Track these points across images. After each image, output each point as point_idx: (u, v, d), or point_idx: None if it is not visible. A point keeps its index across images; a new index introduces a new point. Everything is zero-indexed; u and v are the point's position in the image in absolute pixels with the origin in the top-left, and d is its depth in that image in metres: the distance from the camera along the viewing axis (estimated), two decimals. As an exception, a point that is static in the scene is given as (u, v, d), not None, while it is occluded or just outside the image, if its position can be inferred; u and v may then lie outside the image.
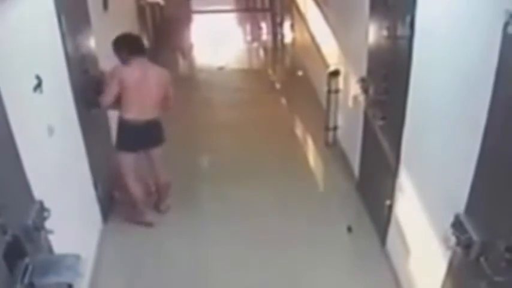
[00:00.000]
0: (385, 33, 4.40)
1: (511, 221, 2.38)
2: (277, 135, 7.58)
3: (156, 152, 5.26)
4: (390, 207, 4.51)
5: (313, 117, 7.80)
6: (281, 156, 6.92)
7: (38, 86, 3.51)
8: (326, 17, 7.68)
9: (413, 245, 4.09)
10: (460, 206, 2.89)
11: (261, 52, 12.74)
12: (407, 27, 3.78)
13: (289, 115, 8.53)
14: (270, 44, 13.23)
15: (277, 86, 10.06)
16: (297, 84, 9.85)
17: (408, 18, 3.74)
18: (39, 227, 2.99)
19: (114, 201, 5.47)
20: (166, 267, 4.81)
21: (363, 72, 5.18)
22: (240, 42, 13.69)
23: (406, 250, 4.18)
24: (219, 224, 5.42)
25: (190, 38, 13.25)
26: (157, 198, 5.57)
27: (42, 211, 3.08)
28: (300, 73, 9.61)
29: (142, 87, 4.84)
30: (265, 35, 13.96)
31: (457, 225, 2.84)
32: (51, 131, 3.73)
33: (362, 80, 5.14)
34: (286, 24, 12.18)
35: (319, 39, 8.41)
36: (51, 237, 3.23)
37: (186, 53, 12.52)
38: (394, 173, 4.33)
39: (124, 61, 4.90)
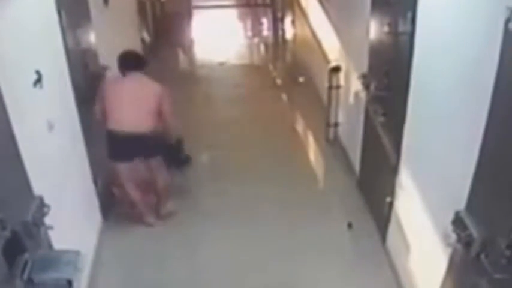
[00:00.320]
0: (386, 29, 4.39)
1: (512, 218, 2.38)
2: (277, 131, 7.58)
3: (152, 162, 5.18)
4: (391, 204, 4.51)
5: (314, 113, 7.80)
6: (281, 153, 6.92)
7: (38, 81, 3.50)
8: (327, 13, 7.67)
9: (413, 242, 4.09)
10: (461, 203, 2.88)
11: (262, 48, 12.73)
12: (408, 23, 3.77)
13: (289, 111, 8.52)
14: (270, 40, 13.22)
15: (278, 81, 10.05)
16: (298, 80, 9.84)
17: (409, 14, 3.73)
18: (38, 222, 2.99)
19: (113, 197, 5.45)
20: (166, 264, 4.82)
21: (364, 68, 5.16)
22: (240, 38, 13.68)
23: (407, 247, 4.17)
24: (218, 220, 5.41)
25: (191, 33, 13.24)
26: (157, 202, 5.50)
27: (41, 207, 3.07)
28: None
29: (126, 99, 4.80)
30: (266, 30, 13.95)
31: (458, 222, 2.83)
32: (51, 126, 3.72)
33: (363, 76, 5.13)
34: (287, 20, 12.15)
35: (320, 35, 8.40)
36: (50, 233, 3.23)
37: (187, 48, 12.52)
38: (394, 170, 4.32)
39: (122, 75, 4.94)
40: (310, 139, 7.51)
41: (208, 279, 4.66)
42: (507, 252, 2.35)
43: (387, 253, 4.73)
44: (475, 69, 2.81)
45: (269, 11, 14.23)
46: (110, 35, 6.58)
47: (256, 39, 13.34)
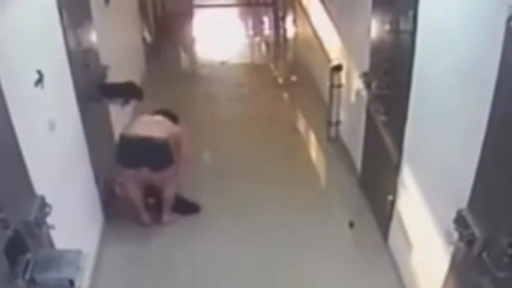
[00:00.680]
0: (387, 27, 4.39)
1: (514, 216, 2.38)
2: (279, 130, 7.58)
3: (160, 176, 5.10)
4: (392, 202, 4.51)
5: (315, 112, 7.79)
6: (283, 151, 6.92)
7: (39, 80, 3.50)
8: (328, 12, 7.67)
9: (415, 241, 4.09)
10: (463, 201, 2.88)
11: (263, 47, 12.73)
12: (409, 21, 3.77)
13: (291, 110, 8.52)
14: (272, 39, 13.22)
15: (280, 80, 10.05)
16: (299, 79, 9.84)
17: (411, 13, 3.73)
18: (40, 222, 2.99)
19: (115, 196, 5.45)
20: (168, 263, 4.82)
21: (366, 66, 5.16)
22: (242, 37, 13.67)
23: (408, 246, 4.17)
24: (220, 220, 5.41)
25: (192, 32, 13.24)
26: (160, 208, 5.44)
27: (43, 206, 3.08)
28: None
29: (145, 120, 5.23)
30: (267, 29, 13.94)
31: (460, 220, 2.83)
32: (52, 126, 3.73)
33: (364, 75, 5.13)
34: (289, 19, 12.16)
35: (321, 33, 8.40)
36: (52, 232, 3.23)
37: (188, 47, 12.52)
38: (396, 168, 4.32)
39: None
40: (312, 138, 7.51)
41: (210, 277, 4.67)
42: (509, 251, 2.36)
43: (389, 252, 4.73)
44: (476, 68, 2.81)
45: (270, 10, 14.24)
46: (111, 34, 6.58)
47: (257, 39, 13.33)
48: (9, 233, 2.57)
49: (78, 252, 2.95)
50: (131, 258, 4.93)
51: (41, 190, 3.14)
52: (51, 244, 3.27)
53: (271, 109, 8.46)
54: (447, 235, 3.04)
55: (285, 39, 12.66)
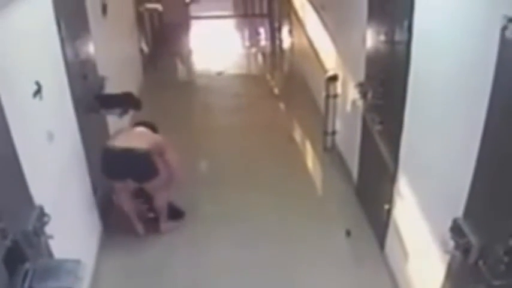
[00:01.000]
0: (382, 38, 4.42)
1: (510, 224, 2.39)
2: (275, 140, 7.58)
3: (147, 187, 5.15)
4: (389, 211, 4.52)
5: (311, 121, 7.80)
6: (280, 161, 6.92)
7: (38, 92, 3.52)
8: (324, 22, 7.70)
9: (411, 249, 4.10)
10: (459, 210, 2.90)
11: (260, 57, 12.74)
12: (405, 32, 3.80)
13: (287, 120, 8.53)
14: (268, 50, 13.23)
15: (276, 91, 10.07)
16: (296, 89, 9.86)
17: (406, 23, 3.76)
18: (39, 232, 3.00)
19: (113, 206, 5.45)
20: (167, 272, 4.82)
21: (361, 77, 5.19)
22: (238, 48, 13.68)
23: (405, 254, 4.19)
24: (217, 229, 5.42)
25: (189, 43, 13.25)
26: (156, 219, 5.45)
27: (42, 216, 3.09)
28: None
29: (128, 131, 5.28)
30: (263, 40, 13.96)
31: (456, 229, 2.85)
32: (50, 136, 3.74)
33: (360, 85, 5.15)
34: (285, 30, 12.18)
35: (317, 44, 8.43)
36: (51, 242, 3.24)
37: (185, 58, 12.53)
38: (392, 178, 4.34)
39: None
40: (308, 147, 7.52)
41: (208, 285, 4.69)
42: (505, 259, 2.38)
43: (385, 260, 4.74)
44: (471, 77, 2.84)
45: (266, 21, 14.25)
46: (109, 45, 6.60)
47: (254, 49, 13.34)
48: (7, 242, 2.59)
49: (77, 262, 2.97)
50: (129, 267, 4.93)
51: (40, 200, 3.16)
52: (49, 254, 3.28)
53: (267, 119, 8.46)
54: (443, 243, 3.06)
55: (281, 49, 12.68)
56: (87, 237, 4.83)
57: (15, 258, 2.65)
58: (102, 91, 5.46)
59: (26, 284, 2.63)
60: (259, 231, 5.36)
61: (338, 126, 6.81)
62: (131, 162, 4.81)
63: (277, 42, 13.04)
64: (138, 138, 4.99)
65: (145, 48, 10.90)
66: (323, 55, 7.87)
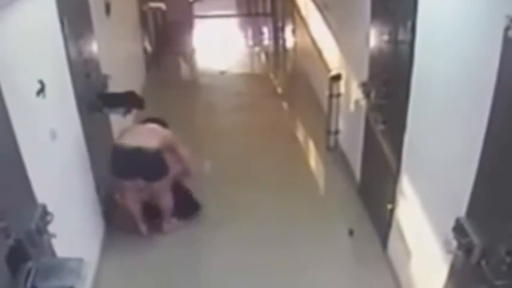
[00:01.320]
0: (386, 37, 4.41)
1: (512, 224, 2.40)
2: (278, 140, 7.58)
3: (156, 186, 5.09)
4: (391, 211, 4.52)
5: (314, 121, 7.80)
6: (282, 161, 6.93)
7: (41, 90, 3.53)
8: (327, 22, 7.69)
9: (414, 249, 4.10)
10: (461, 209, 2.89)
11: (263, 56, 12.75)
12: (408, 31, 3.80)
13: (290, 119, 8.53)
14: (271, 49, 13.24)
15: (279, 90, 10.07)
16: (299, 89, 9.86)
17: (409, 23, 3.76)
18: (42, 230, 3.00)
19: (116, 205, 5.45)
20: (169, 272, 4.82)
21: (364, 76, 5.18)
22: (241, 47, 13.70)
23: (407, 254, 4.18)
24: (219, 228, 5.42)
25: (192, 42, 13.26)
26: (160, 219, 5.44)
27: (45, 215, 3.09)
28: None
29: (137, 127, 5.34)
30: (266, 39, 13.96)
31: (458, 229, 2.84)
32: (54, 135, 3.75)
33: (363, 84, 5.14)
34: (288, 29, 12.18)
35: (320, 43, 8.42)
36: (53, 240, 3.24)
37: (188, 57, 12.54)
38: (395, 177, 4.34)
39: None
40: (311, 147, 7.52)
41: (210, 286, 4.69)
42: (507, 259, 2.37)
43: (388, 260, 4.74)
44: (474, 77, 2.83)
45: (270, 20, 14.26)
46: (112, 44, 6.61)
47: (257, 48, 13.35)
48: (10, 241, 2.59)
49: (80, 261, 2.97)
50: (132, 266, 4.93)
51: (43, 199, 3.16)
52: (52, 252, 3.28)
53: (270, 118, 8.46)
54: (446, 243, 3.05)
55: (285, 49, 12.68)
56: (89, 236, 4.83)
57: (18, 257, 2.65)
58: (105, 90, 5.46)
59: (29, 283, 2.63)
60: (261, 231, 5.36)
61: (341, 125, 6.81)
62: (141, 161, 4.80)
63: (281, 41, 13.04)
64: (148, 136, 4.97)
65: (149, 47, 10.91)
66: (326, 54, 7.86)
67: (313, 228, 5.37)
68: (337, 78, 6.55)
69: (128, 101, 5.54)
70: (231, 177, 6.49)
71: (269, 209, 5.75)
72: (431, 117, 3.59)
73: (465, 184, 2.83)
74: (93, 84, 5.07)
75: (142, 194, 5.20)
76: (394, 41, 4.24)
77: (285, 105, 9.26)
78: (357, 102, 5.70)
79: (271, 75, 11.11)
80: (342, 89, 6.55)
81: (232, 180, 6.40)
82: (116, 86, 5.67)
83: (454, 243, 2.87)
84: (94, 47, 5.32)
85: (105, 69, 5.60)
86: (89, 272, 4.19)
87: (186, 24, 13.30)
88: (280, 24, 13.12)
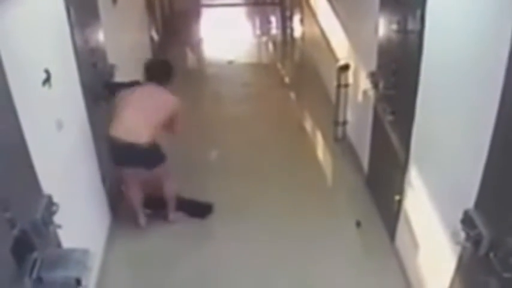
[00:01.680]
0: (395, 27, 4.38)
1: (521, 217, 2.38)
2: (286, 130, 7.57)
3: (156, 171, 5.06)
4: (399, 202, 4.50)
5: (322, 111, 7.77)
6: (290, 151, 6.91)
7: (47, 80, 3.52)
8: (336, 11, 7.65)
9: (422, 241, 4.08)
10: (470, 201, 2.87)
11: (271, 46, 12.70)
12: (417, 21, 3.77)
13: (298, 109, 8.51)
14: (279, 38, 13.20)
15: (286, 80, 10.04)
16: (306, 79, 9.83)
17: (418, 12, 3.72)
18: (47, 221, 3.00)
19: (122, 195, 5.45)
20: (175, 262, 4.83)
21: (373, 66, 5.15)
22: (249, 36, 13.65)
23: (415, 245, 4.17)
24: (226, 220, 5.42)
25: (200, 31, 13.24)
26: (165, 208, 5.43)
27: (50, 205, 3.09)
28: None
29: (132, 108, 4.75)
30: (274, 29, 13.93)
31: (467, 221, 2.82)
32: (60, 125, 3.74)
33: (372, 75, 5.12)
34: (296, 18, 12.14)
35: (328, 33, 8.39)
36: (59, 231, 3.25)
37: (195, 47, 12.52)
38: (403, 168, 4.31)
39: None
40: (319, 137, 7.50)
41: (216, 278, 4.68)
42: (516, 251, 2.35)
43: (396, 251, 4.72)
44: (484, 68, 2.80)
45: (278, 10, 14.22)
46: (119, 33, 6.59)
47: (264, 38, 13.31)
48: (16, 232, 2.59)
49: (85, 251, 2.97)
50: (138, 257, 4.95)
51: (48, 189, 3.16)
52: (58, 243, 3.28)
53: (278, 109, 8.45)
54: (454, 235, 3.02)
55: (292, 38, 12.64)
56: (95, 227, 4.84)
57: (23, 247, 2.64)
58: (112, 79, 5.44)
59: (34, 274, 2.63)
60: (268, 223, 5.35)
61: (349, 116, 6.78)
62: (137, 153, 4.74)
63: (288, 31, 13.00)
64: (142, 124, 4.72)
65: (156, 36, 10.88)
66: (334, 44, 7.83)
67: (320, 220, 5.36)
68: (345, 68, 6.52)
69: None
70: (237, 168, 6.47)
71: (275, 200, 5.74)
72: (440, 107, 3.56)
73: (474, 175, 2.81)
74: (99, 73, 5.05)
75: (145, 184, 5.23)
76: (403, 30, 4.21)
77: (292, 95, 9.23)
78: (365, 92, 5.67)
79: (279, 65, 11.07)
80: (350, 79, 6.52)
81: (239, 171, 6.39)
82: (122, 76, 5.65)
83: (462, 235, 2.85)
84: (100, 36, 5.30)
85: (111, 58, 5.58)
86: (95, 263, 4.20)
87: (193, 13, 13.31)
88: (288, 14, 13.08)
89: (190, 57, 12.28)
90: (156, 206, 5.43)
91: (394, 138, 4.58)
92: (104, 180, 4.99)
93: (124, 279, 4.72)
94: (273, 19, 14.39)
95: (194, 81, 9.79)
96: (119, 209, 5.44)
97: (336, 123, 6.94)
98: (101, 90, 5.05)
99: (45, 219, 2.95)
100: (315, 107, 8.31)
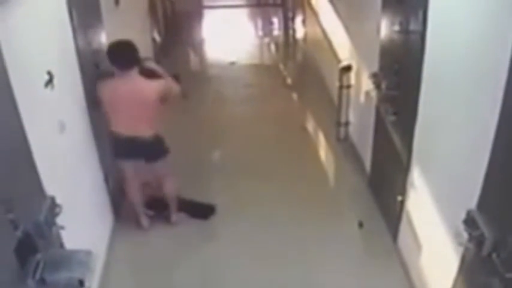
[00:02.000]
0: (397, 27, 4.38)
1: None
2: (288, 131, 7.57)
3: (156, 166, 5.08)
4: (402, 203, 4.49)
5: (324, 112, 7.78)
6: (292, 152, 6.91)
7: (50, 81, 3.52)
8: (338, 12, 7.65)
9: (425, 241, 4.08)
10: (472, 202, 2.87)
11: (273, 47, 12.70)
12: (419, 21, 3.77)
13: (300, 110, 8.52)
14: (281, 39, 13.21)
15: (289, 81, 10.04)
16: (309, 80, 9.83)
17: (420, 13, 3.72)
18: (50, 222, 3.00)
19: (125, 196, 5.45)
20: (178, 263, 4.84)
21: (375, 67, 5.15)
22: (251, 38, 13.65)
23: (418, 246, 4.16)
24: (228, 220, 5.43)
25: (202, 33, 13.24)
26: (167, 210, 5.42)
27: (53, 207, 3.09)
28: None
29: (121, 106, 4.62)
30: (276, 30, 13.93)
31: (469, 221, 2.82)
32: (62, 126, 3.74)
33: (374, 75, 5.11)
34: (298, 19, 12.15)
35: (330, 34, 8.39)
36: (62, 232, 3.25)
37: (197, 48, 12.52)
38: (406, 169, 4.31)
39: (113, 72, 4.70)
40: (321, 138, 7.50)
41: (218, 279, 4.68)
42: (519, 252, 2.35)
43: (398, 252, 4.72)
44: (486, 68, 2.80)
45: (280, 11, 14.22)
46: (121, 34, 6.56)
47: (266, 39, 13.31)
48: (19, 233, 2.59)
49: (88, 252, 2.97)
50: (140, 258, 4.95)
51: (51, 190, 3.16)
52: (61, 244, 3.28)
53: (280, 109, 8.45)
54: (457, 236, 3.02)
55: (295, 39, 12.64)
56: (98, 228, 4.84)
57: (26, 249, 2.65)
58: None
59: (37, 275, 2.63)
60: (270, 223, 5.35)
61: (351, 117, 6.78)
62: (141, 146, 4.76)
63: (291, 32, 13.00)
64: (138, 122, 4.69)
65: (158, 38, 10.89)
66: (336, 45, 7.83)
67: (322, 221, 5.36)
68: (347, 69, 6.52)
69: None
70: (239, 169, 6.48)
71: (278, 200, 5.74)
72: (442, 108, 3.56)
73: (476, 176, 2.80)
74: (102, 74, 5.05)
75: (146, 185, 5.24)
76: (405, 31, 4.21)
77: (294, 96, 9.23)
78: (367, 93, 5.68)
79: (281, 66, 11.07)
80: (352, 80, 6.52)
81: (241, 172, 6.40)
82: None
83: (465, 236, 2.85)
84: (103, 38, 5.30)
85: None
86: (98, 264, 4.21)
87: (195, 14, 13.30)
88: (290, 15, 13.08)
89: (193, 59, 12.29)
90: (159, 207, 5.43)
91: (397, 139, 4.58)
92: (106, 180, 4.99)
93: (126, 280, 4.72)
94: (275, 20, 14.39)
95: (196, 82, 9.78)
96: (122, 210, 5.44)
97: (338, 124, 6.94)
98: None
99: (48, 221, 2.95)
100: (317, 108, 8.31)
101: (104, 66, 5.05)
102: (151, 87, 4.68)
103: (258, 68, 11.15)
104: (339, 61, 7.08)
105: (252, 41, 13.35)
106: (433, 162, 3.84)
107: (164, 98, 4.76)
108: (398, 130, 4.56)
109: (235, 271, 4.73)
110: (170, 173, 5.22)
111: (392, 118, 4.63)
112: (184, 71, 10.75)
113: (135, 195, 5.22)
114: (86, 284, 2.82)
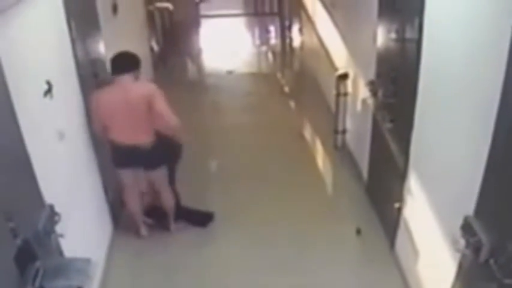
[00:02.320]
0: (393, 36, 4.40)
1: (521, 223, 2.38)
2: (286, 139, 7.58)
3: (154, 175, 5.07)
4: (399, 209, 4.50)
5: (321, 120, 7.80)
6: (290, 160, 6.92)
7: (48, 91, 3.53)
8: (334, 21, 7.68)
9: (422, 248, 4.09)
10: (469, 208, 2.88)
11: (270, 56, 12.74)
12: (415, 30, 3.79)
13: (298, 118, 8.53)
14: (278, 48, 13.24)
15: (286, 89, 10.07)
16: (306, 88, 9.86)
17: (416, 21, 3.75)
18: (49, 231, 3.01)
19: (124, 205, 5.46)
20: (177, 271, 4.83)
21: (372, 75, 5.17)
22: (248, 46, 13.70)
23: (415, 253, 4.17)
24: (227, 228, 5.43)
25: (199, 42, 13.27)
26: (165, 218, 5.41)
27: (52, 215, 3.10)
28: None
29: (118, 113, 4.57)
30: (273, 38, 13.97)
31: (466, 227, 2.83)
32: (61, 135, 3.76)
33: (371, 83, 5.14)
34: (295, 28, 12.18)
35: (327, 42, 8.41)
36: (61, 241, 3.25)
37: (195, 57, 12.55)
38: (403, 176, 4.33)
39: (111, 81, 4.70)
40: (319, 146, 7.51)
41: (218, 286, 4.69)
42: (516, 257, 2.36)
43: (396, 259, 4.72)
44: (483, 75, 2.82)
45: (276, 20, 14.26)
46: (119, 44, 6.60)
47: (264, 48, 13.36)
48: (18, 242, 2.60)
49: (87, 261, 2.98)
50: (139, 266, 4.94)
51: (50, 199, 3.17)
52: (60, 252, 3.29)
53: (278, 118, 8.47)
54: (454, 242, 3.04)
55: (291, 48, 12.68)
56: (97, 236, 4.84)
57: (26, 257, 2.65)
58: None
59: (37, 283, 2.63)
60: (268, 231, 5.35)
61: (348, 124, 6.80)
62: (141, 154, 4.75)
63: (288, 40, 13.04)
64: (137, 129, 4.67)
65: (156, 47, 10.92)
66: (333, 53, 7.85)
67: (320, 228, 5.36)
68: (344, 77, 6.54)
69: None
70: (237, 177, 6.49)
71: (275, 208, 5.75)
72: (439, 115, 3.58)
73: (473, 182, 2.81)
74: (100, 84, 5.07)
75: (144, 192, 5.26)
76: (401, 39, 4.23)
77: (292, 104, 9.26)
78: (364, 101, 5.69)
79: (279, 75, 11.11)
80: (349, 88, 6.54)
81: (239, 180, 6.41)
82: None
83: (462, 242, 2.86)
84: (101, 47, 5.33)
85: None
86: (97, 272, 4.21)
87: (193, 23, 13.31)
88: (287, 23, 13.12)
89: (190, 68, 12.31)
90: (158, 216, 5.43)
91: (393, 146, 4.59)
92: (105, 189, 5.00)
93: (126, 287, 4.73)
94: (272, 29, 14.43)
95: (194, 91, 9.83)
96: (121, 218, 5.44)
97: (335, 131, 6.95)
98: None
99: (47, 229, 2.97)
100: (314, 115, 8.34)
101: (102, 75, 5.08)
102: (142, 89, 4.68)
103: (256, 77, 11.18)
104: (335, 69, 7.10)
105: (250, 49, 13.39)
106: (430, 169, 3.85)
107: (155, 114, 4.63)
108: (395, 137, 4.58)
109: (234, 279, 4.72)
110: (167, 185, 5.19)
111: (389, 125, 4.64)
112: (182, 80, 10.82)
113: (135, 204, 5.21)
114: (85, 292, 2.83)
